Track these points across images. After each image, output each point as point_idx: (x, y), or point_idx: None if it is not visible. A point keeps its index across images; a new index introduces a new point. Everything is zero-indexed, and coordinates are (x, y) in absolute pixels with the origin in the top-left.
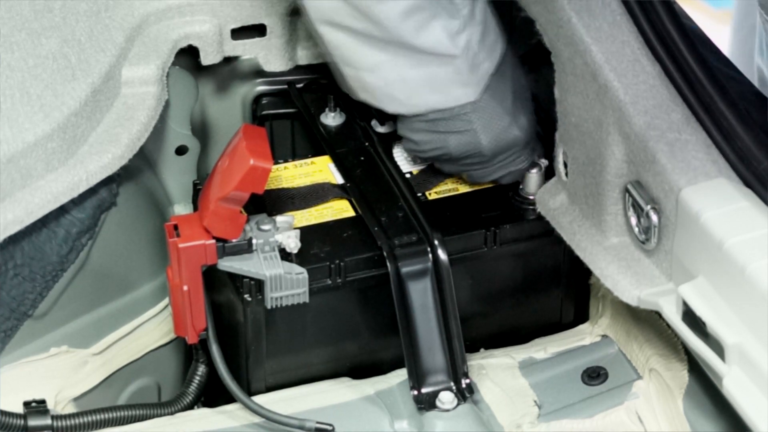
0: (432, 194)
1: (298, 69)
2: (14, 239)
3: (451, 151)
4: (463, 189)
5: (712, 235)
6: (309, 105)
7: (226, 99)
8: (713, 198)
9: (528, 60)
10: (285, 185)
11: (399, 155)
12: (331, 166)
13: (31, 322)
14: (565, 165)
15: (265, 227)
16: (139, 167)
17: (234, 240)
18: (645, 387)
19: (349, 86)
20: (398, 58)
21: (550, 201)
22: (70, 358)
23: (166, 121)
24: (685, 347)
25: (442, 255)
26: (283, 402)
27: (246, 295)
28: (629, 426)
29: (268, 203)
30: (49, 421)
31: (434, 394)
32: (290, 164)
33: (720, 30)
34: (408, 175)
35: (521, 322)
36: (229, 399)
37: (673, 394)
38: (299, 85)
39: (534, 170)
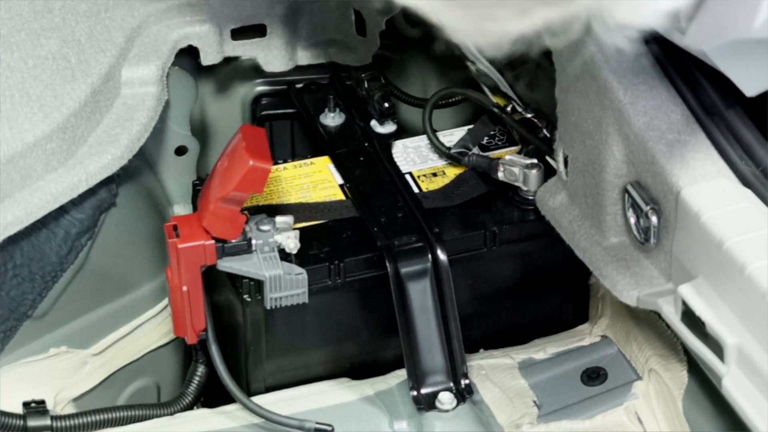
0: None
1: (298, 69)
2: (13, 240)
3: None
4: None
5: (711, 236)
6: (308, 105)
7: (225, 99)
8: (713, 198)
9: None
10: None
11: (398, 155)
12: (331, 167)
13: (31, 323)
14: (566, 164)
15: (265, 228)
16: (139, 168)
17: (233, 240)
18: (644, 387)
19: None
20: None
21: (550, 200)
22: (69, 358)
23: (165, 121)
24: (684, 348)
25: (442, 255)
26: (282, 402)
27: (245, 296)
28: (629, 426)
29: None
30: (48, 422)
31: (434, 395)
32: (290, 165)
33: None
34: (407, 176)
35: (521, 322)
36: (229, 399)
37: (673, 394)
38: (299, 86)
39: (534, 170)
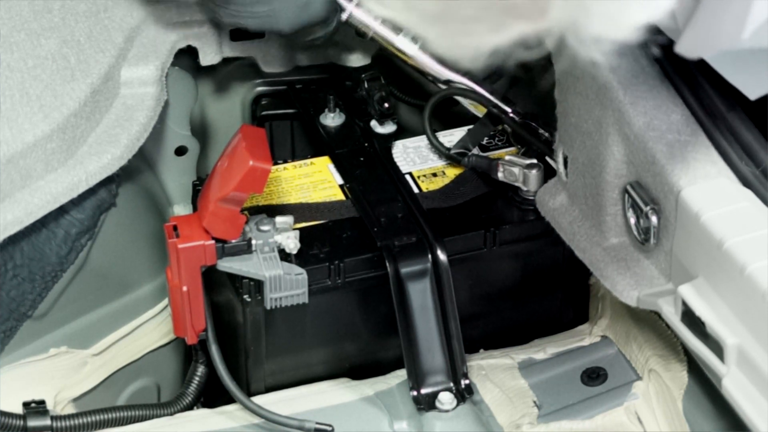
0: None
1: (297, 69)
2: (13, 240)
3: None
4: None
5: (711, 236)
6: (308, 105)
7: (225, 99)
8: (713, 198)
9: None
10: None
11: (398, 156)
12: (331, 167)
13: (31, 323)
14: (565, 165)
15: (265, 228)
16: (139, 168)
17: (233, 240)
18: (644, 387)
19: None
20: None
21: (550, 201)
22: (69, 358)
23: (165, 121)
24: (684, 348)
25: (442, 256)
26: (282, 402)
27: (245, 296)
28: (629, 426)
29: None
30: (48, 422)
31: (434, 395)
32: (290, 165)
33: None
34: (407, 176)
35: (521, 322)
36: (229, 399)
37: (673, 394)
38: (299, 86)
39: (534, 170)
